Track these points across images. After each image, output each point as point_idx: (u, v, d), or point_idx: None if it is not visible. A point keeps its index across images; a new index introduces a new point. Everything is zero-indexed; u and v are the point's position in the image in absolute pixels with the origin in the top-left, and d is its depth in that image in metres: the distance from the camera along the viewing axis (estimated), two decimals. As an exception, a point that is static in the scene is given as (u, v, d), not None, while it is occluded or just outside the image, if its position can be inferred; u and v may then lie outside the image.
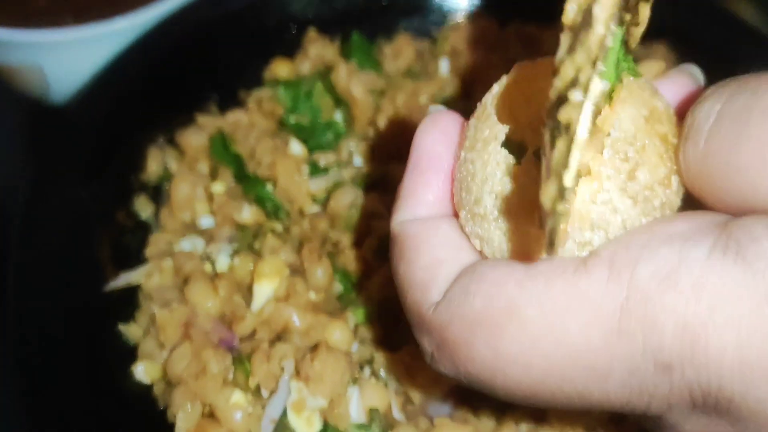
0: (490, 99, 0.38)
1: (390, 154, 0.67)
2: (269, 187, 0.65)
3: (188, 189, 0.66)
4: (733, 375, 0.28)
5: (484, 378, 0.34)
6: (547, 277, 0.32)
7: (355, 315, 0.58)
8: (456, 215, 0.38)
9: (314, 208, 0.65)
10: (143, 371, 0.58)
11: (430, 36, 0.79)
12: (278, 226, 0.64)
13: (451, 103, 0.69)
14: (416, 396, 0.55)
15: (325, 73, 0.71)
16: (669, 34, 0.72)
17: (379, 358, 0.56)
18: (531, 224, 0.33)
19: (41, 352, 0.55)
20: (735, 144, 0.30)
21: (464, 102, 0.70)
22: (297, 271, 0.61)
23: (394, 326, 0.59)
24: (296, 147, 0.66)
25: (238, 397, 0.55)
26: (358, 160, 0.69)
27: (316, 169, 0.66)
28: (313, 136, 0.69)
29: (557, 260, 0.32)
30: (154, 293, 0.61)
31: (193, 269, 0.61)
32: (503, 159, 0.35)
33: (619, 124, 0.34)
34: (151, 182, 0.69)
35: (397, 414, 0.55)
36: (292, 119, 0.70)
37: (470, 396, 0.56)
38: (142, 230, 0.67)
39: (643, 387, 0.31)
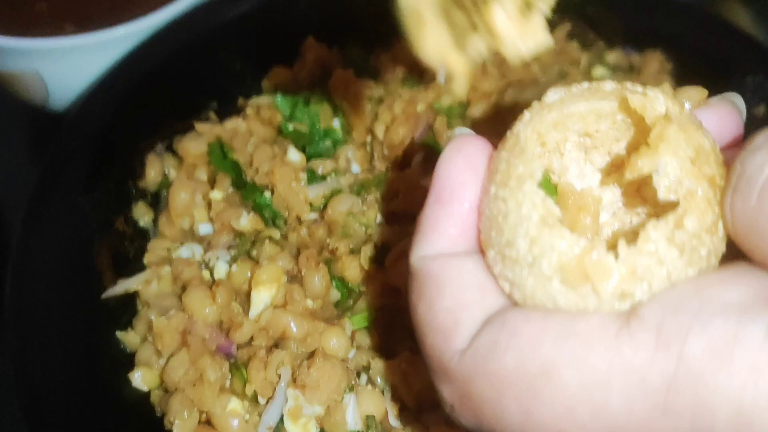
0: (522, 129, 0.35)
1: (392, 162, 0.68)
2: (267, 194, 0.65)
3: (187, 196, 0.66)
4: None
5: None
6: (586, 338, 0.30)
7: (352, 322, 0.59)
8: (481, 250, 0.36)
9: (312, 216, 0.65)
10: (141, 378, 0.58)
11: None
12: (276, 234, 0.64)
13: (453, 111, 0.70)
14: (412, 403, 0.55)
15: (323, 81, 0.71)
16: (665, 42, 0.73)
17: (376, 365, 0.56)
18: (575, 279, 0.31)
19: (39, 359, 0.55)
20: None
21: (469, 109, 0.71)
22: (294, 278, 0.61)
23: (390, 333, 0.59)
24: (294, 155, 0.67)
25: (235, 404, 0.56)
26: (356, 168, 0.69)
27: (313, 177, 0.66)
28: (311, 144, 0.70)
29: (597, 318, 0.30)
30: (152, 300, 0.61)
31: (191, 276, 0.62)
32: (540, 201, 0.32)
33: (664, 167, 0.32)
34: (150, 189, 0.69)
35: (393, 421, 0.56)
36: (291, 127, 0.70)
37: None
38: (141, 237, 0.67)
39: None
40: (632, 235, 0.31)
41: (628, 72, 0.73)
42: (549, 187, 0.35)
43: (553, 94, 0.36)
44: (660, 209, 0.33)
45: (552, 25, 0.75)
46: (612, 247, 0.31)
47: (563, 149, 0.37)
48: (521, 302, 0.33)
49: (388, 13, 0.79)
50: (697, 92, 0.39)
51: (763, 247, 0.30)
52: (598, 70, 0.73)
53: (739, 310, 0.28)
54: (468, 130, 0.39)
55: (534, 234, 0.32)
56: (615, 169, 0.37)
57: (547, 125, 0.35)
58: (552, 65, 0.74)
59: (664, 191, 0.32)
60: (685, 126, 0.33)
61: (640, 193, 0.37)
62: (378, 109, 0.69)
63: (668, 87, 0.37)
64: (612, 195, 0.38)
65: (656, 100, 0.34)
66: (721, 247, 0.32)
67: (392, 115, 0.68)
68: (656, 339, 0.28)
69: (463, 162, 0.36)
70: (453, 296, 0.34)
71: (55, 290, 0.59)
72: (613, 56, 0.74)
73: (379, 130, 0.68)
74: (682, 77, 0.72)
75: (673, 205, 0.31)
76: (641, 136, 0.35)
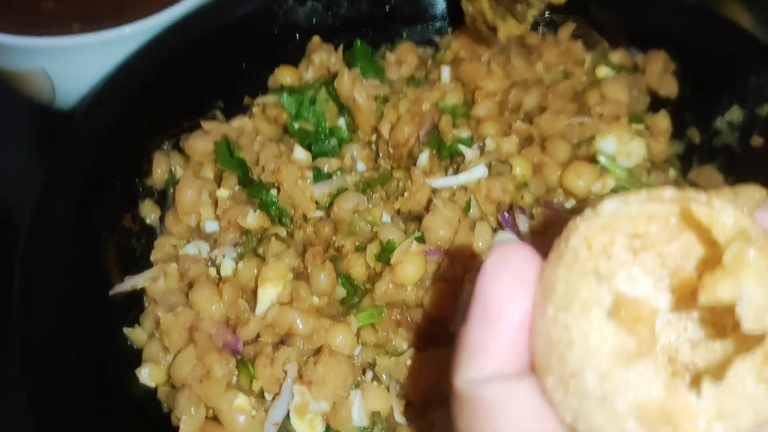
0: (579, 242, 0.33)
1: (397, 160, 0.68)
2: (273, 192, 0.66)
3: (193, 194, 0.67)
4: None
5: None
6: None
7: (358, 319, 0.59)
8: (534, 370, 0.33)
9: (318, 214, 0.65)
10: (148, 375, 0.59)
11: (432, 43, 0.80)
12: (282, 231, 0.64)
13: (457, 110, 0.70)
14: (418, 399, 0.56)
15: (328, 80, 0.72)
16: (669, 42, 0.73)
17: (382, 362, 0.57)
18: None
19: (47, 355, 0.56)
20: None
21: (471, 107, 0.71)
22: (300, 275, 0.61)
23: (395, 330, 0.60)
24: (300, 153, 0.67)
25: (241, 400, 0.56)
26: (361, 166, 0.69)
27: (319, 175, 0.67)
28: (316, 142, 0.70)
29: None
30: (159, 297, 0.62)
31: (198, 273, 0.62)
32: (612, 333, 0.30)
33: (748, 296, 0.29)
34: (157, 187, 0.70)
35: (398, 417, 0.56)
36: (296, 125, 0.70)
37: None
38: (148, 234, 0.68)
39: None
40: (717, 371, 0.29)
41: (633, 72, 0.73)
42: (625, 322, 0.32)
43: (609, 204, 0.33)
44: (730, 329, 0.32)
45: (556, 25, 0.76)
46: (694, 383, 0.29)
47: (610, 251, 0.34)
48: None
49: (393, 13, 0.80)
50: (754, 191, 0.35)
51: None
52: (603, 70, 0.73)
53: None
54: (512, 236, 0.36)
55: (605, 369, 0.30)
56: (675, 281, 0.34)
57: (594, 229, 0.33)
58: (556, 65, 0.74)
59: (749, 322, 0.29)
60: (764, 246, 0.30)
61: (696, 301, 0.34)
62: (383, 108, 0.70)
63: (728, 191, 0.35)
64: (665, 301, 0.35)
65: (724, 213, 0.31)
66: None
67: (397, 114, 0.68)
68: None
69: (510, 274, 0.33)
70: (509, 427, 0.32)
71: (62, 287, 0.60)
72: (618, 56, 0.74)
73: (385, 129, 0.68)
74: (686, 77, 0.72)
75: (758, 338, 0.29)
76: (708, 251, 0.33)
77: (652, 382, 0.29)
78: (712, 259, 0.32)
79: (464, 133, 0.68)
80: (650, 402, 0.29)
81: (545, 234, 0.57)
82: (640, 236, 0.34)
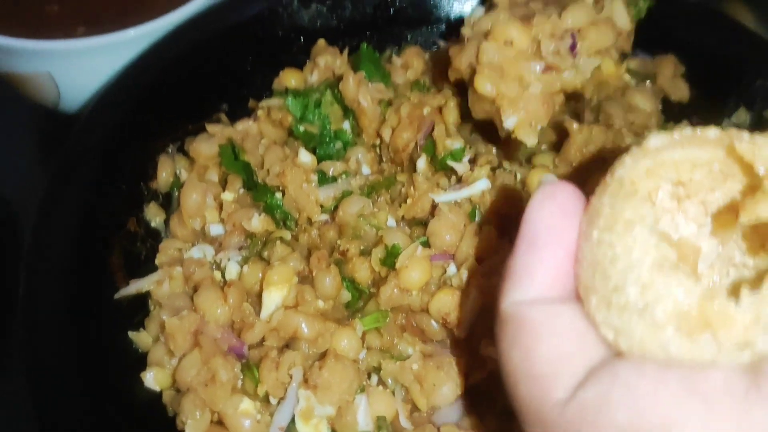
0: (625, 173, 0.34)
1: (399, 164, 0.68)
2: (278, 195, 0.66)
3: (198, 197, 0.67)
4: None
5: None
6: (711, 397, 0.28)
7: (363, 323, 0.59)
8: (579, 297, 0.35)
9: (323, 217, 0.65)
10: (153, 378, 0.59)
11: (437, 47, 0.80)
12: (287, 235, 0.64)
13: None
14: (423, 404, 0.56)
15: (333, 84, 0.71)
16: (677, 45, 0.73)
17: (387, 366, 0.57)
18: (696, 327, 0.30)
19: (52, 358, 0.56)
20: None
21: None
22: (305, 279, 0.61)
23: (401, 335, 0.60)
24: (305, 156, 0.67)
25: (246, 404, 0.56)
26: (366, 169, 0.69)
27: (324, 178, 0.67)
28: (321, 145, 0.70)
29: (722, 376, 0.29)
30: (164, 301, 0.62)
31: (202, 277, 0.62)
32: (654, 245, 0.31)
33: None
34: (162, 190, 0.70)
35: (404, 422, 0.56)
36: (301, 128, 0.70)
37: (477, 404, 0.56)
38: (153, 238, 0.68)
39: None
40: (755, 282, 0.30)
41: (644, 78, 0.73)
42: (665, 236, 0.33)
43: (654, 140, 0.35)
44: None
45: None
46: (733, 293, 0.30)
47: (655, 198, 0.35)
48: (627, 351, 0.32)
49: (397, 16, 0.80)
50: None
51: None
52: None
53: None
54: (554, 178, 0.38)
55: (647, 279, 0.31)
56: (718, 217, 0.36)
57: (640, 172, 0.34)
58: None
59: None
60: None
61: (748, 242, 0.36)
62: (386, 112, 0.69)
63: None
64: (708, 245, 0.36)
65: (766, 147, 0.33)
66: None
67: (398, 118, 0.68)
68: None
69: (557, 207, 0.35)
70: (553, 345, 0.33)
71: (67, 290, 0.60)
72: (635, 63, 0.73)
73: (386, 133, 0.68)
74: (693, 80, 0.72)
75: None
76: (750, 182, 0.34)
77: (691, 290, 0.30)
78: (754, 191, 0.33)
79: (457, 144, 0.66)
80: (689, 309, 0.30)
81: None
82: (684, 183, 0.35)
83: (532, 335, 0.34)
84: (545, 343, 0.33)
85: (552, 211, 0.35)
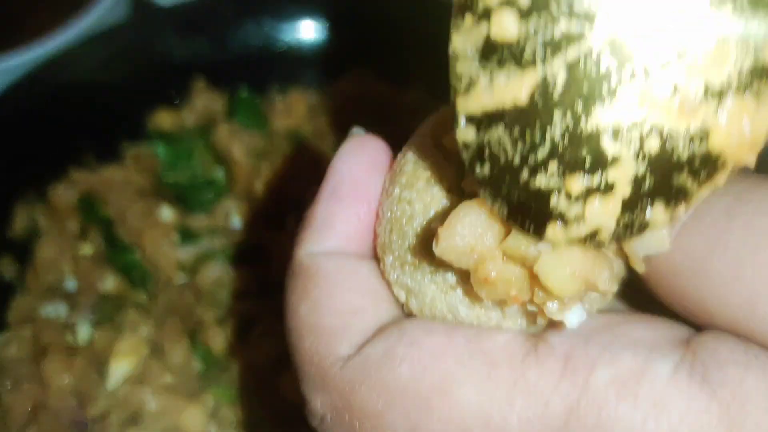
0: (431, 129, 0.33)
1: (267, 220, 0.66)
2: (138, 253, 0.63)
3: (55, 250, 0.64)
4: None
5: None
6: (492, 357, 0.29)
7: (215, 395, 0.57)
8: (376, 256, 0.33)
9: (182, 278, 0.63)
10: (-12, 454, 0.56)
11: (326, 86, 0.77)
12: (143, 297, 0.62)
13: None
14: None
15: (207, 129, 0.69)
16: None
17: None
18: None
19: None
20: (709, 252, 0.28)
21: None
22: (157, 347, 0.59)
23: (258, 409, 0.58)
24: (166, 213, 0.64)
25: (83, 485, 0.54)
26: (237, 221, 0.67)
27: (188, 234, 0.64)
28: (191, 195, 0.67)
29: (505, 339, 0.29)
30: (8, 367, 0.59)
31: (52, 340, 0.59)
32: (451, 205, 0.30)
33: None
34: (18, 239, 0.66)
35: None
36: (171, 177, 0.67)
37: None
38: (5, 291, 0.64)
39: None
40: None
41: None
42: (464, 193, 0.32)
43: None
44: None
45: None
46: None
47: None
48: (417, 312, 0.31)
49: (285, 53, 0.76)
50: None
51: (677, 293, 0.29)
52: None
53: (648, 347, 0.28)
54: (363, 130, 0.36)
55: None
56: None
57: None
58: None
59: None
60: None
61: None
62: (260, 164, 0.67)
63: None
64: None
65: None
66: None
67: (273, 171, 0.66)
68: (563, 366, 0.28)
69: (365, 159, 0.34)
70: (344, 299, 0.32)
71: None
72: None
73: (259, 187, 0.66)
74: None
75: None
76: None
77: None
78: None
79: None
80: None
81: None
82: None
83: (325, 287, 0.32)
84: (337, 297, 0.32)
85: (359, 161, 0.34)
